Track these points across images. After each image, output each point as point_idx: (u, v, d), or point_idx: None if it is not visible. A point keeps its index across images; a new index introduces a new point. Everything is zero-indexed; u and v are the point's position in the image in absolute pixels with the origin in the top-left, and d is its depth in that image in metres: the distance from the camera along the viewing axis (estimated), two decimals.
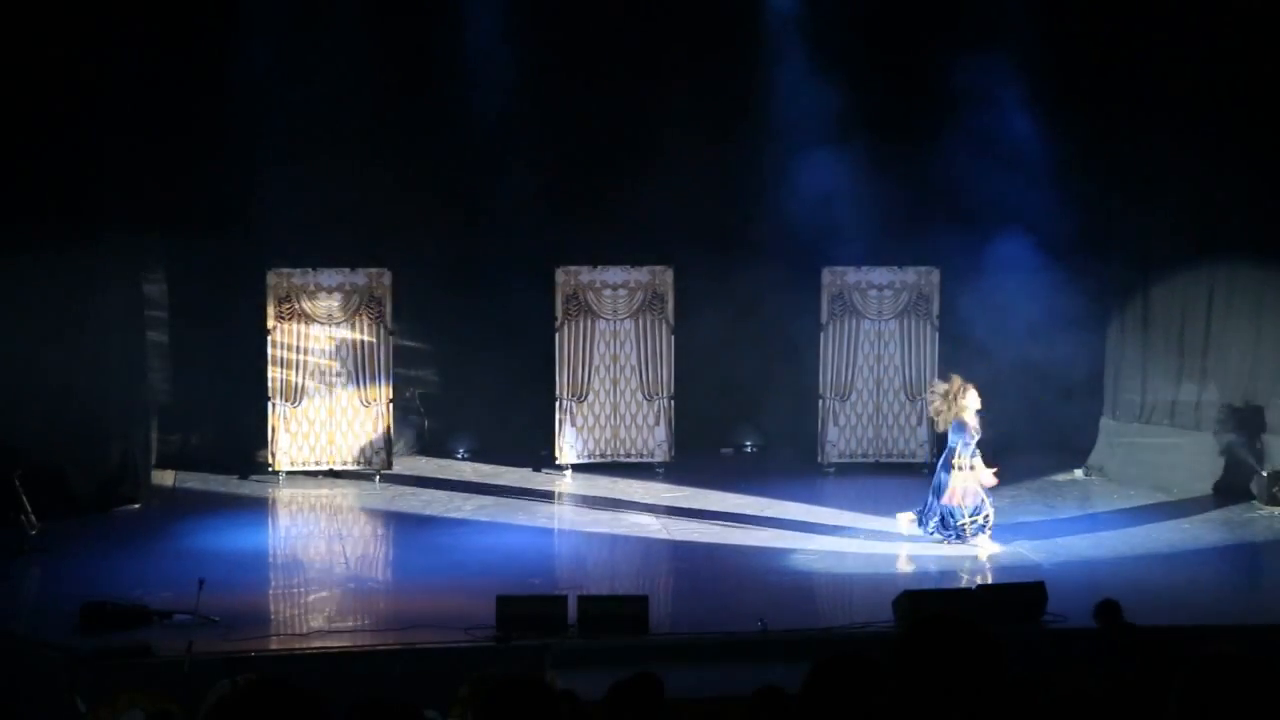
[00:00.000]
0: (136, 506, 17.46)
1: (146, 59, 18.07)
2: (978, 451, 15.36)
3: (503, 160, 19.72)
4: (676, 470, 19.48)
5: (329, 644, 12.18)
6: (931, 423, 19.48)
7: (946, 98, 19.73)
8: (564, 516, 17.54)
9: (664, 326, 19.68)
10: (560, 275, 19.61)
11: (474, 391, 20.14)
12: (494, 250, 19.85)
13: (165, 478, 18.42)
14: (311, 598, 13.82)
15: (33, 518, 15.68)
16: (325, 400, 19.12)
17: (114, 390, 17.56)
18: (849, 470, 19.68)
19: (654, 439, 19.69)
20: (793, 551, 15.54)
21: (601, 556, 15.44)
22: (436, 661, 11.77)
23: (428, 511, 17.42)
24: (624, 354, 19.68)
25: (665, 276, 19.69)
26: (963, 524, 15.23)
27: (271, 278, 19.07)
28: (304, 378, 19.10)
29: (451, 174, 20.09)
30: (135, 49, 17.77)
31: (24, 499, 15.74)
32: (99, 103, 17.17)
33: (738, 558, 15.36)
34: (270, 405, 19.05)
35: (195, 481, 18.53)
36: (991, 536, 15.33)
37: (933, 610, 11.95)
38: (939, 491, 15.37)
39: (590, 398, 19.64)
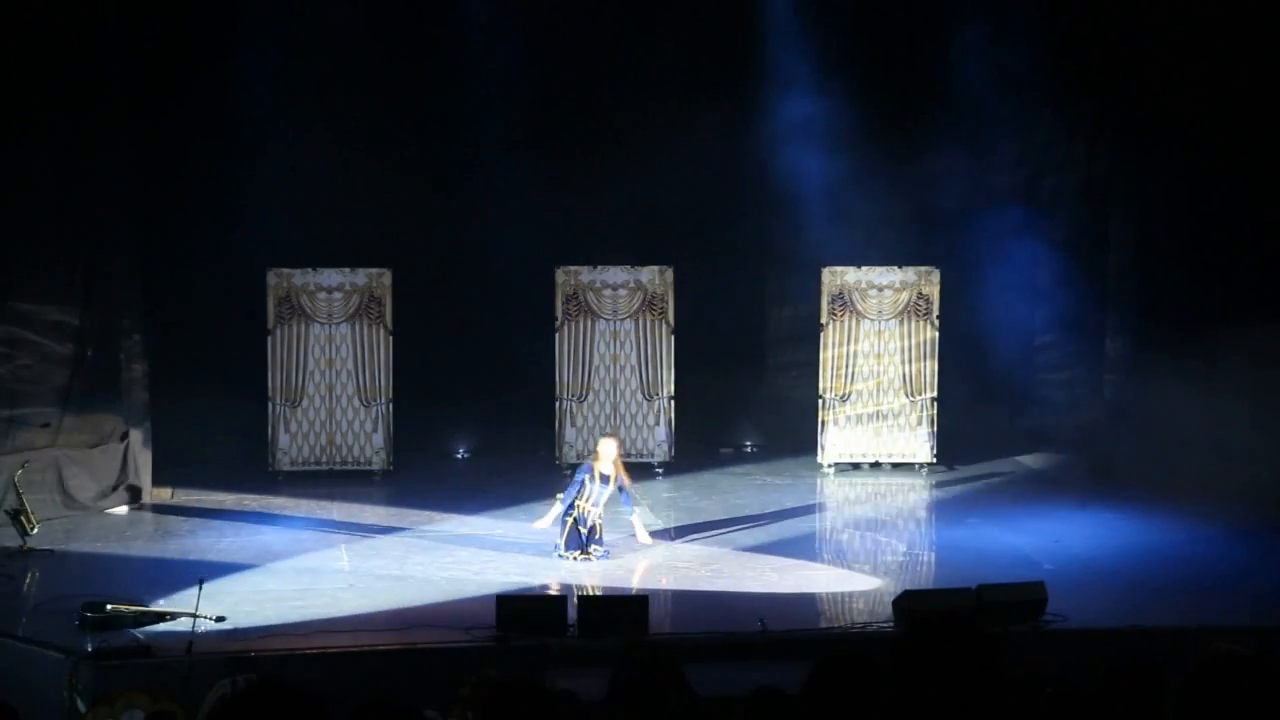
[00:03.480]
0: (137, 506, 17.47)
1: (147, 59, 18.08)
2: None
3: (503, 160, 19.74)
4: (676, 470, 19.49)
5: (329, 644, 12.17)
6: (933, 422, 19.54)
7: (947, 97, 19.76)
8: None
9: (664, 326, 19.68)
10: (560, 275, 19.62)
11: (474, 391, 20.13)
12: (494, 250, 19.85)
13: (165, 478, 18.40)
14: (312, 597, 13.81)
15: (33, 518, 15.69)
16: (325, 400, 19.13)
17: (114, 390, 17.56)
18: (849, 471, 19.69)
19: (654, 439, 19.69)
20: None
21: (602, 556, 15.38)
22: (436, 661, 11.76)
23: (427, 511, 17.40)
24: (624, 354, 19.69)
25: (665, 276, 19.69)
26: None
27: (271, 278, 19.08)
28: (304, 378, 19.11)
29: (451, 174, 20.11)
30: (135, 49, 17.77)
31: (24, 499, 15.75)
32: (99, 102, 17.16)
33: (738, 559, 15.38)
34: (270, 405, 19.06)
35: (195, 482, 18.51)
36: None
37: (932, 610, 11.95)
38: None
39: (590, 398, 19.64)
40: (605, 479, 15.04)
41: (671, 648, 11.41)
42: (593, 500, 14.99)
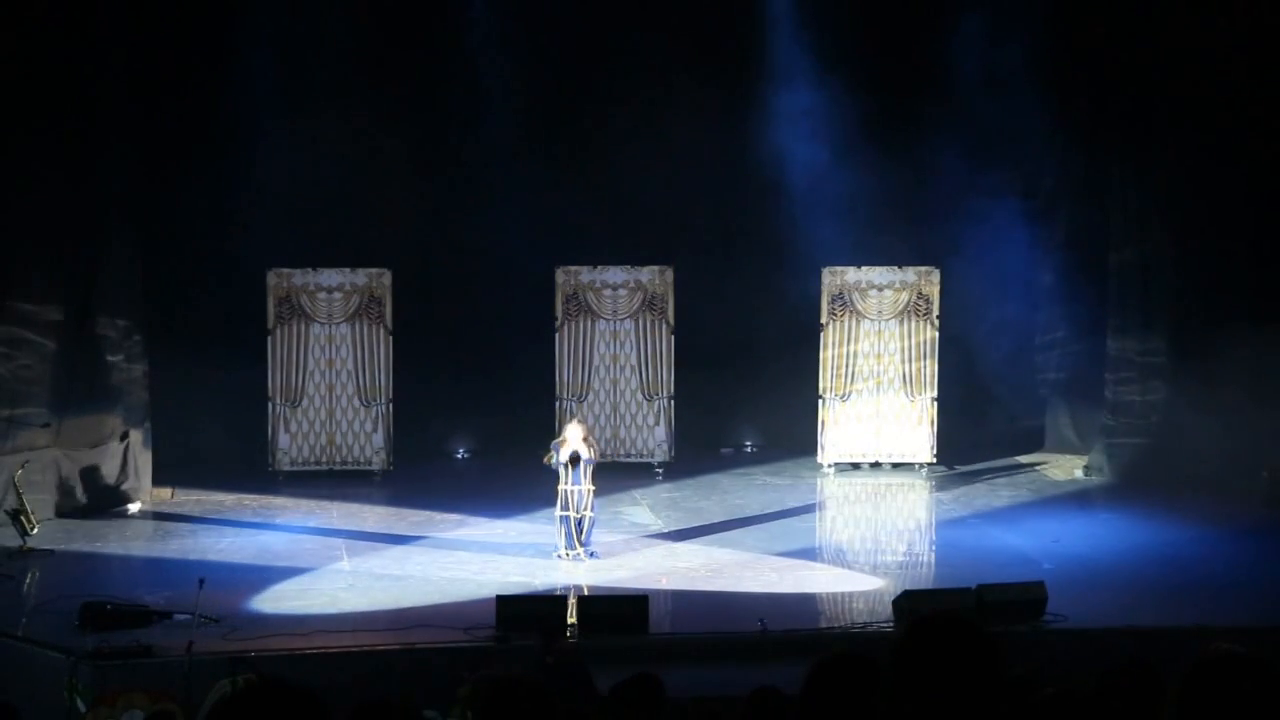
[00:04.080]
0: (136, 507, 17.48)
1: (147, 60, 18.09)
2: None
3: (503, 160, 19.73)
4: (676, 470, 19.48)
5: (329, 644, 12.18)
6: (933, 422, 19.53)
7: (947, 97, 19.74)
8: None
9: (664, 326, 19.68)
10: (560, 275, 19.62)
11: (474, 391, 20.14)
12: (494, 250, 19.85)
13: (165, 478, 18.40)
14: (312, 597, 13.82)
15: (32, 518, 15.70)
16: (325, 400, 19.13)
17: (114, 390, 17.56)
18: (849, 471, 19.69)
19: (654, 439, 19.69)
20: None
21: (601, 557, 15.39)
22: (436, 661, 11.78)
23: (427, 511, 17.40)
24: (624, 354, 19.69)
25: (665, 276, 19.69)
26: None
27: (271, 278, 19.08)
28: (304, 378, 19.11)
29: (451, 174, 20.11)
30: (135, 51, 17.78)
31: (24, 499, 15.76)
32: (99, 104, 17.17)
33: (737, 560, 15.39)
34: (270, 405, 19.06)
35: (195, 482, 18.51)
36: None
37: (932, 610, 11.95)
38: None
39: (590, 398, 19.64)
40: (576, 459, 14.99)
41: (579, 652, 11.32)
42: (572, 480, 14.95)
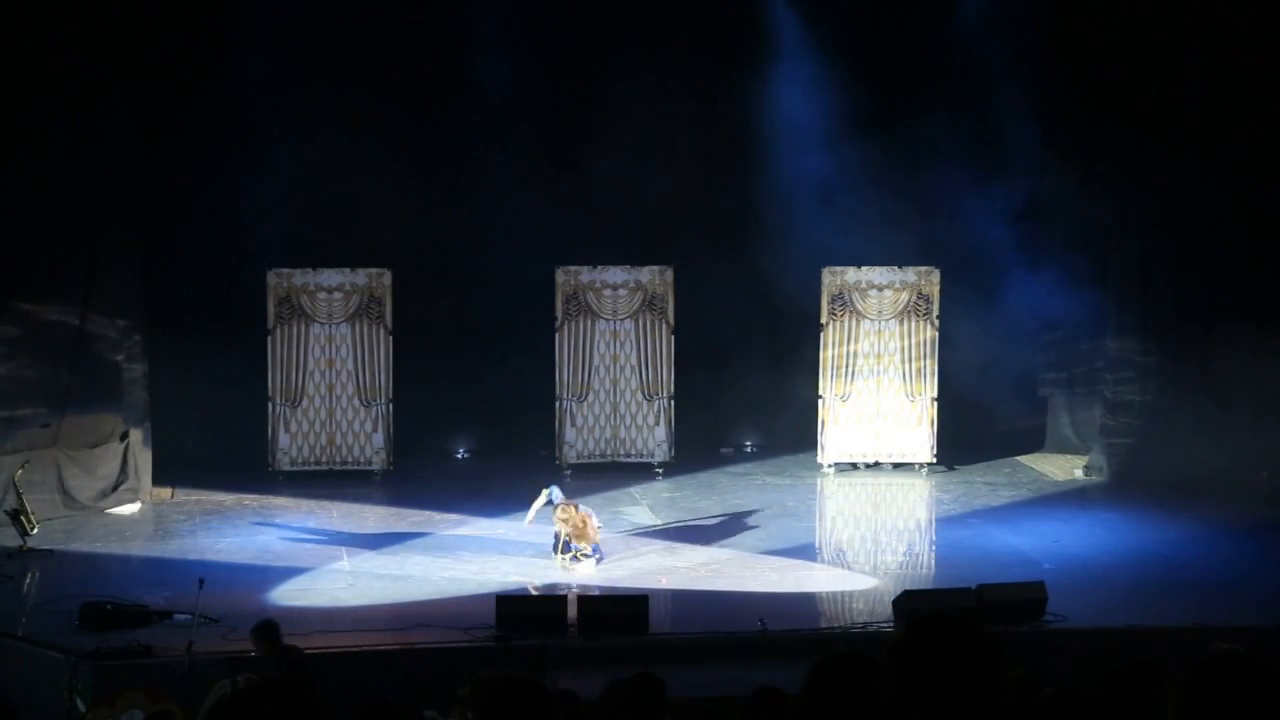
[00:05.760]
0: (136, 506, 17.47)
1: (148, 61, 18.09)
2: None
3: (503, 160, 19.72)
4: (676, 470, 19.48)
5: (329, 644, 12.18)
6: (933, 422, 19.52)
7: (948, 97, 19.74)
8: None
9: (664, 326, 19.67)
10: (560, 275, 19.61)
11: (474, 391, 20.14)
12: (494, 250, 19.84)
13: (165, 477, 18.40)
14: (312, 597, 13.83)
15: (32, 518, 15.70)
16: (325, 400, 19.13)
17: (114, 390, 17.56)
18: (848, 471, 19.68)
19: (654, 439, 19.68)
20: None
21: (592, 554, 15.38)
22: (436, 661, 11.78)
23: (427, 511, 17.40)
24: (624, 354, 19.68)
25: (665, 276, 19.69)
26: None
27: (271, 278, 19.08)
28: (304, 378, 19.11)
29: (452, 174, 20.10)
30: (137, 51, 17.78)
31: (24, 499, 15.76)
32: (101, 105, 17.17)
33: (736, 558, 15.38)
34: (270, 405, 19.06)
35: (195, 482, 18.51)
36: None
37: (932, 610, 11.96)
38: None
39: (590, 398, 19.64)
40: (568, 544, 14.91)
41: (299, 655, 11.15)
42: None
